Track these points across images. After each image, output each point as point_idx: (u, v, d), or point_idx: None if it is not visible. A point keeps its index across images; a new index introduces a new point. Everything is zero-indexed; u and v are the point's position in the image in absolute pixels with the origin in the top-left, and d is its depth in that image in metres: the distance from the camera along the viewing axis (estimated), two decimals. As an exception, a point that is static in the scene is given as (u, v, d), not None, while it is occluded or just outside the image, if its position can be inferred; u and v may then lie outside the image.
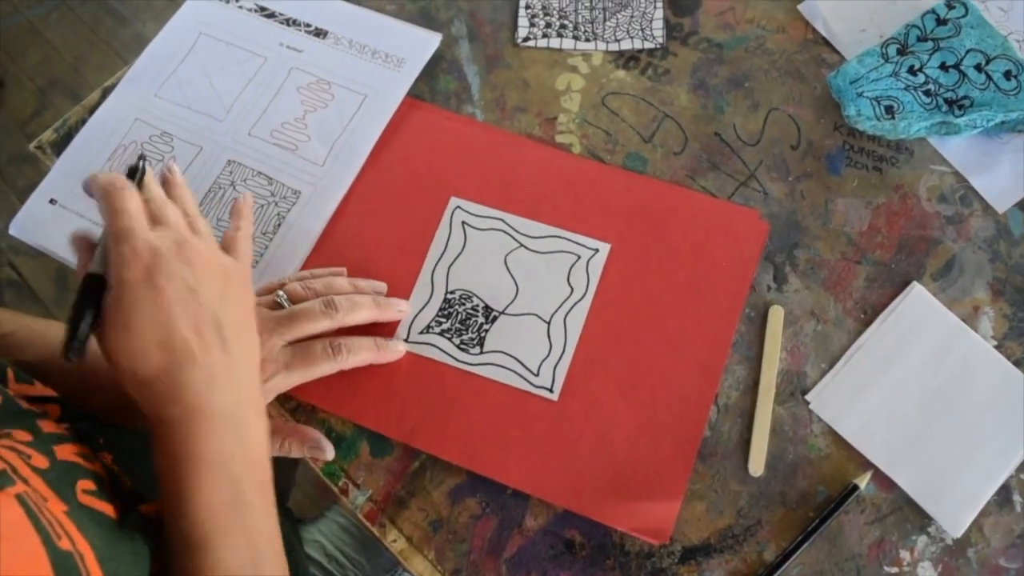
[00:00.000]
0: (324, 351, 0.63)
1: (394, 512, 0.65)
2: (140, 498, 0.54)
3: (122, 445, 0.61)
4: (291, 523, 0.83)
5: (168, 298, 0.49)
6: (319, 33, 0.81)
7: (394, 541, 0.64)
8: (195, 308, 0.50)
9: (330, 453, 0.65)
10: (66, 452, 0.49)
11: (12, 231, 0.75)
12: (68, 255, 0.74)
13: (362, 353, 0.65)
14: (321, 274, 0.68)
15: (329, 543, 0.88)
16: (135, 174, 0.56)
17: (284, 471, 0.99)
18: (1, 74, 2.07)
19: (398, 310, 0.68)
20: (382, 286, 0.69)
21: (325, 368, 0.63)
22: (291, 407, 0.68)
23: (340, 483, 0.66)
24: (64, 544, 0.42)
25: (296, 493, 1.19)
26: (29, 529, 0.40)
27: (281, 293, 0.64)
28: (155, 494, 0.56)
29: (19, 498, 0.41)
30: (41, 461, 0.46)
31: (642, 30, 0.79)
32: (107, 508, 0.49)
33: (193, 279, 0.50)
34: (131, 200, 0.51)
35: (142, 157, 0.58)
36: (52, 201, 0.76)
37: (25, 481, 0.43)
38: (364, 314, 0.66)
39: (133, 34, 2.12)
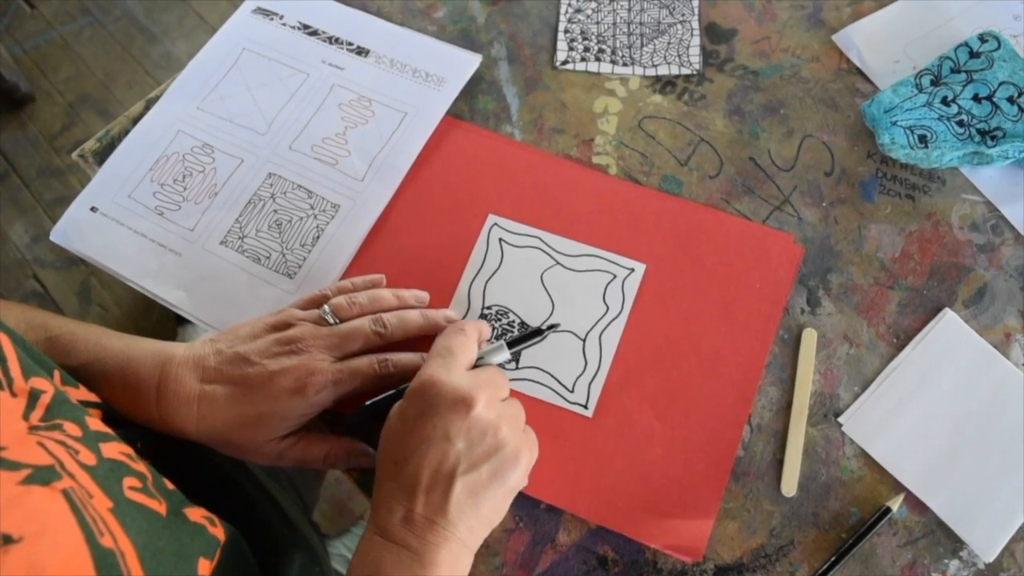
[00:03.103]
0: (372, 368, 0.63)
1: (427, 523, 0.65)
2: (183, 500, 0.54)
3: (160, 451, 0.62)
4: (319, 536, 0.83)
5: (448, 452, 0.55)
6: (361, 52, 0.82)
7: (427, 552, 0.64)
8: (456, 479, 0.54)
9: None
10: (112, 451, 0.49)
11: (53, 238, 0.76)
12: (107, 262, 0.75)
13: (408, 370, 0.65)
14: (361, 284, 0.69)
15: (354, 557, 0.88)
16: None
17: (309, 485, 1.00)
18: (32, 89, 2.10)
19: (446, 321, 0.69)
20: (424, 296, 0.70)
21: (372, 385, 0.63)
22: (327, 418, 0.68)
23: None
24: (106, 541, 0.42)
25: (315, 513, 1.20)
26: (73, 525, 0.40)
27: (327, 308, 0.65)
28: (192, 499, 0.57)
29: (64, 493, 0.41)
30: (88, 457, 0.46)
31: (679, 56, 0.80)
32: (154, 504, 0.50)
33: (484, 469, 0.55)
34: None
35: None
36: (93, 209, 0.77)
37: (72, 476, 0.43)
38: (413, 329, 0.66)
39: (163, 52, 2.16)
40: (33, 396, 0.47)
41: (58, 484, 0.41)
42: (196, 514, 0.54)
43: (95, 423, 0.50)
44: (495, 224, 0.73)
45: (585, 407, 0.66)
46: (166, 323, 1.71)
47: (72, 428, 0.47)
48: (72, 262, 1.88)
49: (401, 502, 0.54)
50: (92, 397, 0.58)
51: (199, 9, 2.20)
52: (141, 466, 0.51)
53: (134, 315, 1.83)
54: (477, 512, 0.55)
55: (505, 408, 0.58)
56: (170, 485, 0.54)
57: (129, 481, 0.49)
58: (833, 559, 0.61)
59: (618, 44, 0.82)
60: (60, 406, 0.48)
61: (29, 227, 1.94)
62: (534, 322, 0.69)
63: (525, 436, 0.58)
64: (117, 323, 1.82)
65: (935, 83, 0.75)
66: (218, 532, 0.55)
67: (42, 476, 0.41)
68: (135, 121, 0.81)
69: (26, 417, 0.45)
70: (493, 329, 0.69)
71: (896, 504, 0.63)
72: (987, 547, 0.62)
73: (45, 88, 2.12)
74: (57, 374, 0.54)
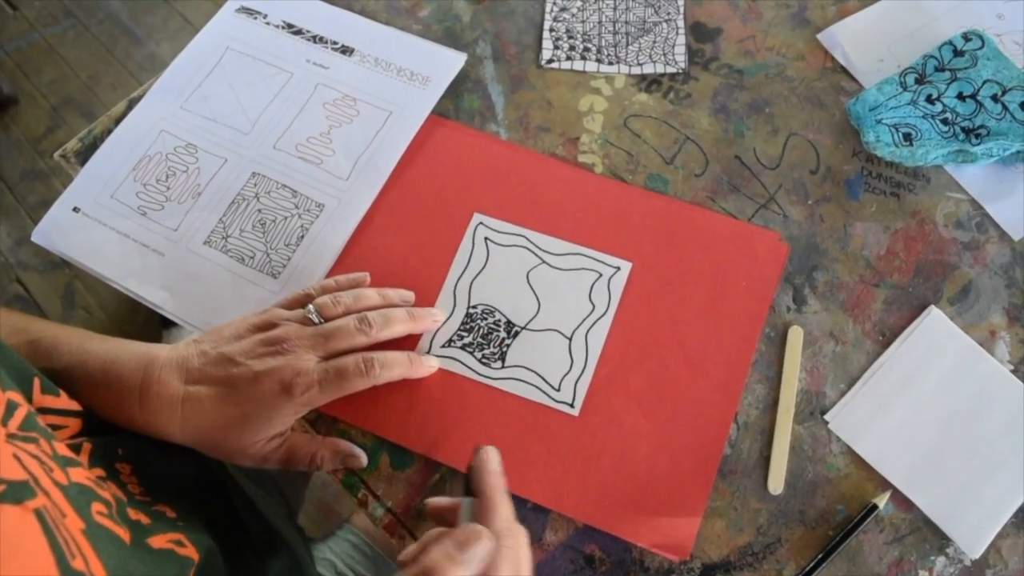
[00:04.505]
0: (357, 367, 0.62)
1: (413, 525, 0.65)
2: (146, 530, 0.53)
3: (142, 456, 0.61)
4: (303, 540, 0.83)
5: None
6: (345, 51, 0.82)
7: (413, 553, 0.64)
8: None
9: (364, 459, 0.65)
10: (79, 476, 0.48)
11: (35, 239, 0.76)
12: (90, 263, 0.74)
13: (395, 369, 0.64)
14: (345, 283, 0.69)
15: (340, 561, 0.88)
16: None
17: (294, 487, 0.99)
18: (15, 91, 2.09)
19: (433, 320, 0.68)
20: (409, 295, 0.69)
21: (358, 384, 0.63)
22: (311, 418, 0.68)
23: (360, 494, 0.66)
24: (78, 564, 0.41)
25: (300, 515, 1.19)
26: (44, 546, 0.39)
27: (312, 308, 0.64)
28: (174, 504, 0.56)
29: (37, 513, 0.40)
30: (61, 477, 0.45)
31: (664, 55, 0.80)
32: (121, 532, 0.49)
33: None
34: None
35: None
36: (75, 209, 0.76)
37: (47, 494, 0.42)
38: (398, 328, 0.66)
39: (147, 54, 2.14)
40: (11, 406, 0.46)
41: (31, 503, 0.40)
42: (160, 541, 0.53)
43: (62, 448, 0.49)
44: (481, 223, 0.73)
45: (571, 406, 0.66)
46: (151, 326, 1.70)
47: (45, 445, 0.46)
48: (56, 265, 1.87)
49: None
50: (73, 405, 0.57)
51: (183, 11, 2.19)
52: (107, 493, 0.50)
53: (118, 318, 1.82)
54: None
55: None
56: (133, 515, 0.53)
57: (97, 506, 0.48)
58: (820, 556, 0.61)
59: (603, 43, 0.81)
60: (34, 425, 0.47)
61: (12, 230, 1.93)
62: (520, 321, 0.69)
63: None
64: (101, 326, 1.80)
65: (920, 81, 0.75)
66: (189, 552, 0.54)
67: (15, 493, 0.39)
68: (117, 121, 0.80)
69: (4, 423, 0.44)
70: (479, 328, 0.69)
71: (882, 501, 0.63)
72: (973, 544, 0.62)
73: (28, 91, 2.10)
74: (37, 381, 0.53)
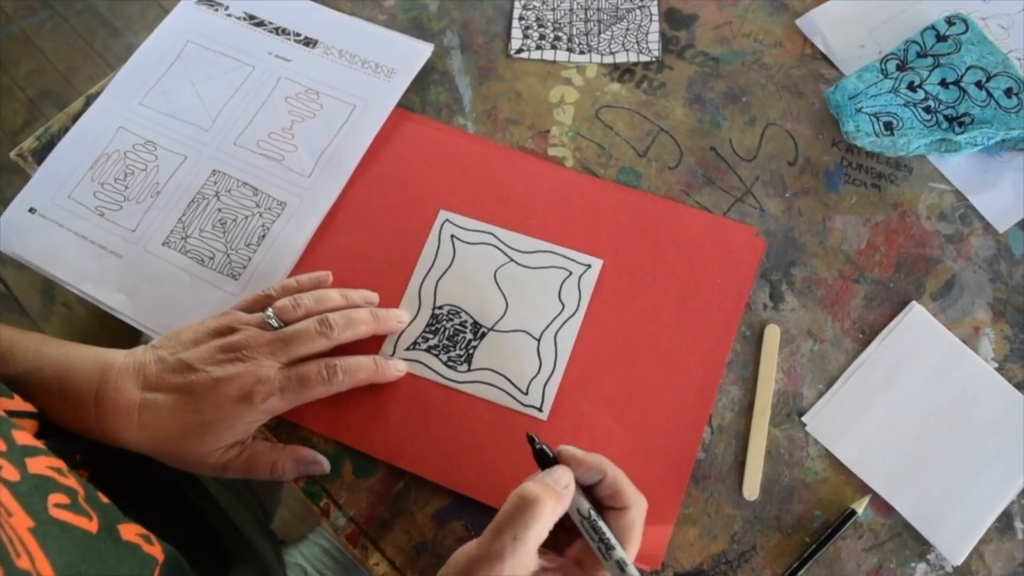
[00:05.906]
0: (320, 374, 0.61)
1: (377, 534, 0.63)
2: (118, 515, 0.52)
3: (100, 463, 0.59)
4: (273, 545, 0.81)
5: None
6: (309, 42, 0.79)
7: (376, 564, 0.62)
8: None
9: (327, 465, 0.64)
10: (39, 465, 0.47)
11: (-11, 240, 0.74)
12: (46, 265, 0.72)
13: (360, 374, 0.62)
14: (307, 283, 0.66)
15: (311, 566, 0.86)
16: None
17: (269, 491, 0.97)
18: (-8, 84, 2.06)
19: (397, 321, 0.66)
20: (374, 297, 0.67)
21: (320, 391, 0.61)
22: (272, 424, 0.66)
23: (322, 503, 0.64)
24: (23, 563, 0.40)
25: (282, 511, 1.17)
26: None
27: (271, 312, 0.62)
28: (131, 512, 0.54)
29: None
30: (12, 473, 0.44)
31: (637, 43, 0.78)
32: (83, 522, 0.47)
33: None
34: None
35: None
36: (32, 210, 0.74)
37: None
38: (361, 329, 0.64)
39: (126, 45, 2.11)
40: None
41: None
42: (130, 532, 0.52)
43: (24, 436, 0.48)
44: (447, 220, 0.71)
45: (539, 410, 0.64)
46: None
47: None
48: (36, 261, 1.84)
49: None
50: (27, 407, 0.56)
51: (161, 1, 2.16)
52: (72, 480, 0.49)
53: (98, 314, 1.78)
54: None
55: None
56: (105, 499, 0.51)
57: (56, 498, 0.46)
58: (796, 564, 0.60)
59: (575, 31, 0.79)
60: None
61: (-11, 226, 1.90)
62: (487, 322, 0.67)
63: None
64: (81, 322, 1.78)
65: (901, 68, 0.73)
66: (155, 551, 0.53)
67: None
68: (75, 118, 0.78)
69: None
70: (444, 330, 0.67)
71: (861, 506, 0.61)
72: (955, 550, 0.60)
73: (5, 83, 2.07)
74: None
